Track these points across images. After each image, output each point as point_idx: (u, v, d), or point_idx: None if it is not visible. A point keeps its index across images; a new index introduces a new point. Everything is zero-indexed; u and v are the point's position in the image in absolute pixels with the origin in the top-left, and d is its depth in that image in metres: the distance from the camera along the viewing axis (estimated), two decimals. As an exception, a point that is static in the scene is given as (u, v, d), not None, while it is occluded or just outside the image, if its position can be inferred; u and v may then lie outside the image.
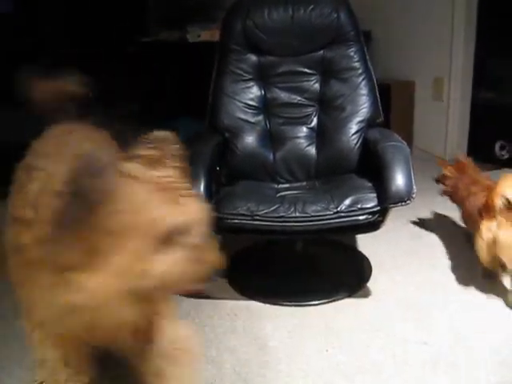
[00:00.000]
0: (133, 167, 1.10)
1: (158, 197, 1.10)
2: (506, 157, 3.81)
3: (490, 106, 3.89)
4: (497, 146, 3.85)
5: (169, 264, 1.11)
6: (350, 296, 2.35)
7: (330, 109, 2.56)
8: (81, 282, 1.10)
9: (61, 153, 1.36)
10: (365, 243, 2.79)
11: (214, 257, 1.18)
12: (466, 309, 2.21)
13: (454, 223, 3.00)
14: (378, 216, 2.12)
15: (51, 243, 1.10)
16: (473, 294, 2.31)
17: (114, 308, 1.16)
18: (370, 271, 2.54)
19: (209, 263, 1.17)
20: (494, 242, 2.13)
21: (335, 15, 2.54)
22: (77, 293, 1.11)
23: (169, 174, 1.13)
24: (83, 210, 1.05)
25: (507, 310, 2.18)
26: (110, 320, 1.21)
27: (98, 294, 1.11)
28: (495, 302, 2.24)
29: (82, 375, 1.44)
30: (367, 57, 2.59)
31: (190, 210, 1.14)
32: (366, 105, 2.52)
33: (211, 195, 2.18)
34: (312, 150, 2.55)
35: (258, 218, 2.10)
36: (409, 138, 4.13)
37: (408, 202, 2.05)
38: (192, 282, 1.17)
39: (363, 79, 2.55)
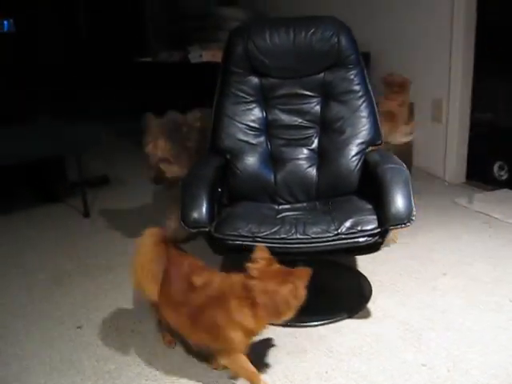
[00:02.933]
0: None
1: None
2: (505, 177, 3.84)
3: (489, 126, 3.93)
4: (495, 167, 3.88)
5: None
6: (349, 317, 2.36)
7: (330, 131, 2.59)
8: None
9: None
10: (365, 264, 2.80)
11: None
12: (464, 331, 2.22)
13: (454, 243, 3.02)
14: (378, 238, 2.14)
15: None
16: (472, 316, 2.32)
17: None
18: (370, 292, 2.55)
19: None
20: None
21: (336, 39, 2.57)
22: None
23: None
24: None
25: (505, 333, 2.19)
26: None
27: None
28: (494, 326, 2.25)
29: None
30: (367, 80, 2.62)
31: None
32: (365, 127, 2.55)
33: (213, 217, 2.20)
34: (313, 171, 2.57)
35: (259, 239, 2.12)
36: (408, 159, 4.16)
37: (408, 224, 2.07)
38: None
39: (363, 102, 2.57)
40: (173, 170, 2.93)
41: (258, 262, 1.81)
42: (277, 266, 1.84)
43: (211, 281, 1.90)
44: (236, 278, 1.86)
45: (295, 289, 1.78)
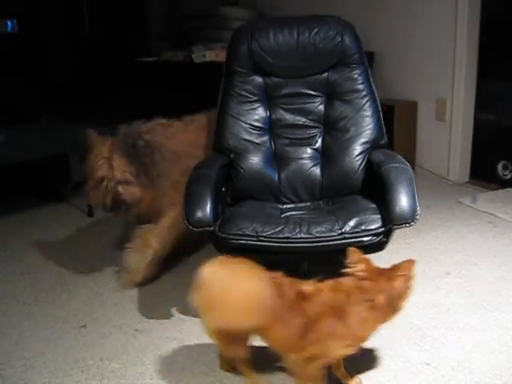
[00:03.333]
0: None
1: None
2: (509, 177, 3.83)
3: (493, 126, 3.92)
4: (499, 166, 3.88)
5: None
6: (353, 316, 2.36)
7: (334, 130, 2.59)
8: None
9: None
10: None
11: None
12: (469, 331, 2.22)
13: (458, 242, 3.02)
14: (383, 237, 2.14)
15: None
16: (476, 316, 2.32)
17: None
18: (374, 291, 2.55)
19: None
20: None
21: (339, 38, 2.57)
22: None
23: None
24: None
25: (510, 333, 2.19)
26: None
27: None
28: (498, 325, 2.25)
29: None
30: (371, 79, 2.62)
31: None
32: (369, 126, 2.55)
33: (218, 216, 2.21)
34: (316, 170, 2.58)
35: (263, 238, 2.12)
36: (411, 158, 4.16)
37: (412, 223, 2.07)
38: None
39: (367, 101, 2.57)
40: (132, 192, 2.55)
41: (359, 264, 1.74)
42: (374, 265, 1.77)
43: (320, 289, 1.76)
44: (346, 282, 1.75)
45: (407, 280, 1.73)
